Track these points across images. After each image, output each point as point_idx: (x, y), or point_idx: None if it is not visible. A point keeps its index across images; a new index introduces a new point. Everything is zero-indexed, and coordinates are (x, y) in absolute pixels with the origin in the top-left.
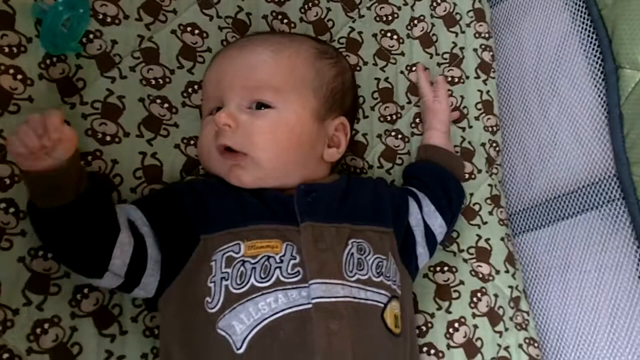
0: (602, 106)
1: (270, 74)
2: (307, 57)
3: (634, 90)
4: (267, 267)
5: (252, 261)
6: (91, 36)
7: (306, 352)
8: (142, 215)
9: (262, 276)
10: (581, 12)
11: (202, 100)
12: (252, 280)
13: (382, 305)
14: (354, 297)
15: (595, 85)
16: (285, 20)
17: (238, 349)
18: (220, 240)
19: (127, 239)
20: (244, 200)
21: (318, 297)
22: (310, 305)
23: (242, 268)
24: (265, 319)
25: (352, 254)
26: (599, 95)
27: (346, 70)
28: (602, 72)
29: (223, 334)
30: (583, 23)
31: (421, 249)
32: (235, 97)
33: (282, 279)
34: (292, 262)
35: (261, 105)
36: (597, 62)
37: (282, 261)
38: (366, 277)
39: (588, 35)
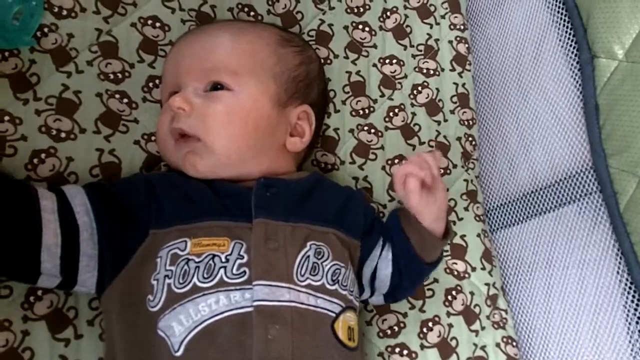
0: (580, 98)
1: (227, 56)
2: (269, 43)
3: (610, 80)
4: (211, 266)
5: (197, 260)
6: (46, 30)
7: (243, 357)
8: (87, 202)
9: (205, 276)
10: (557, 0)
11: (161, 90)
12: (195, 279)
13: (333, 314)
14: (301, 303)
15: (573, 77)
16: (252, 13)
17: (176, 352)
18: (169, 236)
19: (52, 240)
20: (199, 194)
21: (260, 300)
22: (252, 309)
23: (185, 266)
24: (204, 321)
25: (309, 256)
26: (576, 87)
27: (312, 60)
28: (578, 63)
29: (162, 335)
30: (559, 12)
31: (364, 282)
32: (192, 81)
33: (225, 279)
34: (238, 261)
35: (217, 87)
36: (573, 53)
37: (227, 260)
38: (319, 283)
39: (564, 25)
